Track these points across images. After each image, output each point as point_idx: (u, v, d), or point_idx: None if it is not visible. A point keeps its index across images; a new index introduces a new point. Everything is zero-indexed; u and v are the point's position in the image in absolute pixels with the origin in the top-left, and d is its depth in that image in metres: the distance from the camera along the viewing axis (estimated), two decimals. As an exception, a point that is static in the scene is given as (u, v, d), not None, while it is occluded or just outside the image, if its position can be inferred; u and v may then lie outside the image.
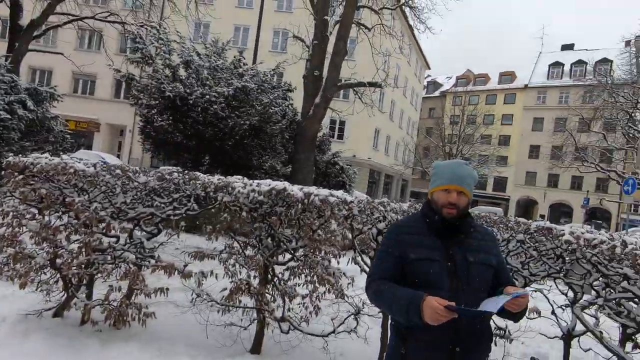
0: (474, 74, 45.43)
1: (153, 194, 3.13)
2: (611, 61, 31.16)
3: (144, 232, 3.41)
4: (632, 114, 18.39)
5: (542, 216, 34.33)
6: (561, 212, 35.85)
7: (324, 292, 3.18)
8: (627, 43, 22.99)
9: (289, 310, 3.19)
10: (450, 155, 28.00)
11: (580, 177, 32.42)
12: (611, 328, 3.29)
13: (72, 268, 2.97)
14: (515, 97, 40.12)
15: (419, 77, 37.42)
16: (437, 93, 45.53)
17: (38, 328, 3.16)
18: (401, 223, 1.66)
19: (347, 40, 9.60)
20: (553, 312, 3.31)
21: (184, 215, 3.13)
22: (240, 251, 3.27)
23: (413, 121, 37.46)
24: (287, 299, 3.27)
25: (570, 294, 3.22)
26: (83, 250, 2.98)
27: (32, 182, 3.06)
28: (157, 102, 7.86)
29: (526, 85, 39.54)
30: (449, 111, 30.86)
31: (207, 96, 7.73)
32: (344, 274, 3.18)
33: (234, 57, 9.40)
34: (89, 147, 23.40)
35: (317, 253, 3.05)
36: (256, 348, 3.26)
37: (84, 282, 3.25)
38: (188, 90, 7.82)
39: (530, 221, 3.06)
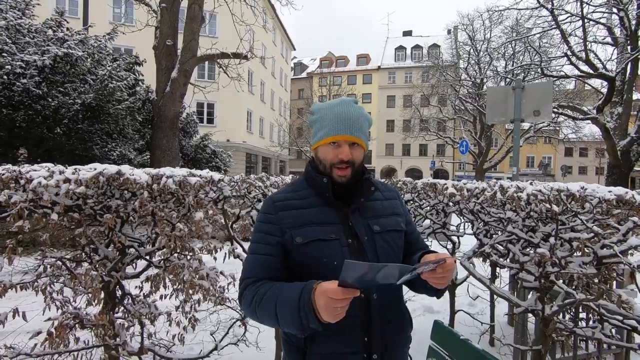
0: (335, 56, 48.29)
1: None
2: (439, 46, 37.23)
3: None
4: (458, 89, 22.26)
5: (401, 181, 39.78)
6: (414, 175, 42.16)
7: (198, 301, 2.48)
8: (449, 31, 27.68)
9: (149, 336, 2.38)
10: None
11: (426, 144, 38.65)
12: (484, 272, 3.57)
13: None
14: (372, 78, 44.44)
15: (285, 58, 37.56)
16: (304, 74, 46.86)
17: None
18: (278, 195, 1.15)
19: (202, 4, 8.40)
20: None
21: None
22: (68, 270, 2.25)
23: (284, 102, 37.72)
24: (147, 321, 2.44)
25: (450, 245, 3.32)
26: None
27: None
28: None
29: (379, 67, 44.11)
30: (317, 91, 32.12)
31: (9, 66, 5.60)
32: (221, 273, 2.51)
33: (50, 18, 7.14)
34: None
35: (182, 253, 2.31)
36: (112, 396, 2.36)
37: None
38: (-26, 59, 5.52)
39: (416, 181, 2.98)
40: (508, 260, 2.34)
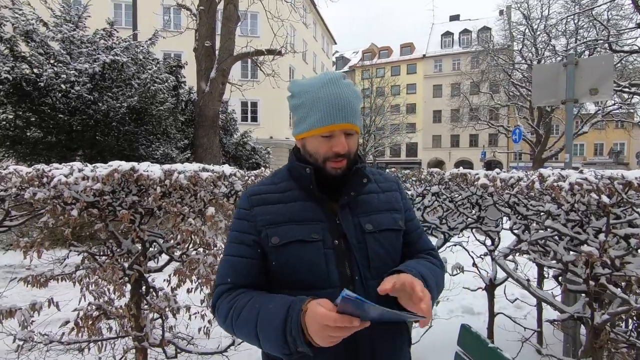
0: (378, 48, 47.22)
1: None
2: (490, 29, 34.77)
3: None
4: (511, 74, 20.61)
5: (450, 174, 38.03)
6: (464, 167, 40.09)
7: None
8: (501, 12, 25.68)
9: (170, 329, 2.43)
10: (364, 127, 28.87)
11: (476, 134, 36.44)
12: (531, 272, 3.21)
13: None
14: (416, 67, 42.80)
15: (327, 53, 37.45)
16: (346, 68, 46.42)
17: None
18: (254, 188, 1.00)
19: (238, 3, 8.55)
20: (474, 264, 3.11)
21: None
22: (97, 262, 2.37)
23: (326, 97, 37.71)
24: (170, 314, 2.49)
25: (489, 242, 3.02)
26: None
27: None
28: (-6, 88, 6.00)
29: (424, 55, 42.34)
30: (359, 85, 31.69)
31: (64, 75, 6.12)
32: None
33: (103, 29, 7.69)
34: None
35: (197, 248, 2.31)
36: (139, 385, 2.44)
37: None
38: (36, 71, 6.11)
39: (444, 171, 2.72)
40: (550, 259, 2.04)
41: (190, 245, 2.30)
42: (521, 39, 21.07)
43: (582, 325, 2.31)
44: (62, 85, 6.10)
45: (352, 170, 0.95)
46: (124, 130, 6.70)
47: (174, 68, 8.72)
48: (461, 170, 2.52)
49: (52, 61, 6.38)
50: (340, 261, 0.89)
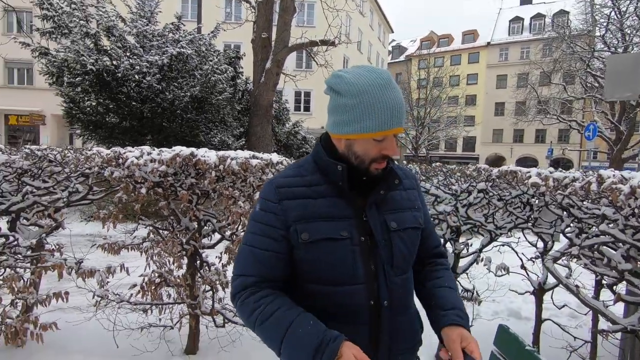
0: (438, 35, 45.00)
1: (27, 177, 2.44)
2: (568, 12, 31.40)
3: (37, 227, 2.74)
4: (589, 63, 18.53)
5: (510, 171, 35.43)
6: (527, 165, 36.98)
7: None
8: (583, -8, 22.96)
9: (219, 301, 2.67)
10: (418, 120, 27.87)
11: (544, 129, 33.42)
12: (588, 279, 2.99)
13: None
14: (479, 56, 40.15)
15: (383, 42, 36.55)
16: (402, 57, 44.97)
17: None
18: (281, 179, 0.96)
19: (294, -5, 8.70)
20: (523, 266, 2.98)
21: (68, 201, 2.46)
22: (160, 236, 2.68)
23: (380, 87, 36.95)
24: (220, 287, 2.74)
25: (540, 244, 2.86)
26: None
27: None
28: (81, 78, 6.81)
29: (488, 43, 39.54)
30: (415, 75, 30.55)
31: (138, 67, 6.76)
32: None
33: (172, 23, 8.31)
34: (35, 142, 21.46)
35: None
36: (191, 347, 2.74)
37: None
38: (115, 63, 6.82)
39: (492, 168, 2.61)
40: (604, 266, 1.91)
41: (240, 227, 2.50)
42: (604, 24, 18.77)
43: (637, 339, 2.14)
44: (136, 76, 6.75)
45: (386, 169, 0.95)
46: (186, 118, 7.25)
47: (232, 59, 9.17)
48: (511, 167, 2.41)
49: (128, 54, 7.06)
50: (366, 258, 0.91)
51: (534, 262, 3.01)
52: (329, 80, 0.94)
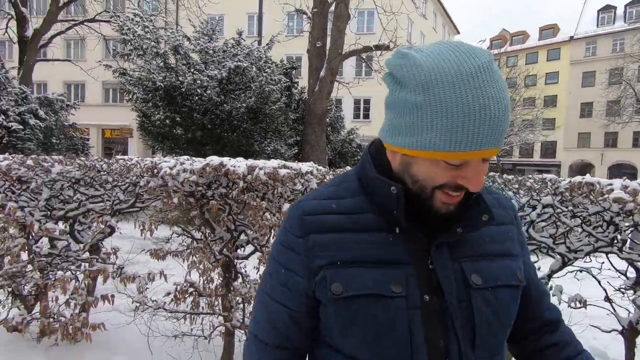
0: (510, 33, 41.72)
1: (81, 186, 2.64)
2: (675, -6, 26.95)
3: (89, 231, 2.95)
4: None
5: (601, 180, 31.07)
6: (623, 173, 32.13)
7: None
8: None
9: (250, 314, 2.60)
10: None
11: (644, 132, 28.86)
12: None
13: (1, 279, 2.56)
14: (560, 52, 36.24)
15: (447, 44, 34.93)
16: (469, 59, 42.46)
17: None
18: (309, 204, 0.68)
19: (349, 2, 8.63)
20: (607, 299, 2.44)
21: (112, 209, 2.60)
22: (195, 242, 2.71)
23: (445, 92, 35.29)
24: (252, 301, 2.67)
25: (632, 272, 2.32)
26: (7, 259, 2.56)
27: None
28: (152, 94, 7.49)
29: (571, 37, 35.52)
30: (483, 76, 28.57)
31: (199, 81, 7.22)
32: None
33: (232, 38, 8.80)
34: (125, 153, 24.30)
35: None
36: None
37: (30, 293, 2.86)
38: (180, 79, 7.37)
39: (561, 178, 2.16)
40: None
41: (269, 238, 2.41)
42: None
43: None
44: (198, 90, 7.22)
45: (468, 199, 0.63)
46: (242, 128, 7.55)
47: (288, 70, 9.38)
48: (587, 178, 1.97)
49: (191, 70, 7.58)
50: (431, 329, 0.60)
51: (623, 293, 2.46)
52: (389, 60, 0.61)
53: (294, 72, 10.01)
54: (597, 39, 34.27)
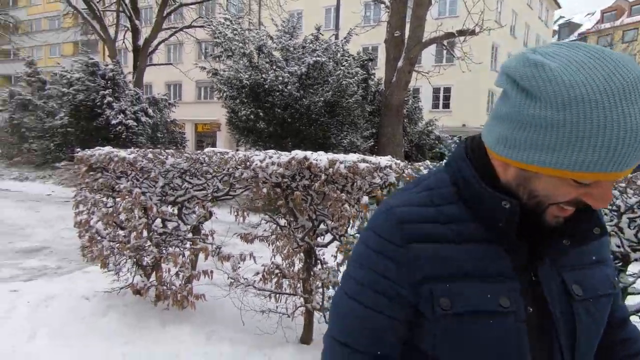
0: (629, 2, 35.24)
1: (187, 176, 3.07)
2: None
3: (194, 215, 3.42)
4: None
5: None
6: None
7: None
8: None
9: (329, 298, 2.76)
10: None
11: None
12: None
13: (126, 250, 3.14)
14: (699, 20, 29.60)
15: (545, 21, 30.95)
16: (573, 36, 37.10)
17: (118, 305, 3.45)
18: (405, 210, 0.63)
19: (430, -13, 8.24)
20: None
21: (212, 196, 2.97)
22: (280, 232, 2.98)
23: (540, 75, 31.39)
24: (331, 286, 2.84)
25: None
26: (133, 234, 3.12)
27: (92, 173, 3.35)
28: (239, 92, 8.16)
29: None
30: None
31: (281, 78, 7.65)
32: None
33: (311, 34, 9.10)
34: (214, 145, 26.83)
35: (354, 234, 2.52)
36: (306, 338, 2.95)
37: (148, 263, 3.43)
38: (263, 76, 7.89)
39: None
40: None
41: (349, 229, 2.53)
42: None
43: None
44: (280, 86, 7.65)
45: (579, 210, 0.58)
46: (320, 122, 7.80)
47: (364, 62, 9.35)
48: None
49: (274, 67, 8.05)
50: (536, 342, 0.59)
51: None
52: (513, 66, 0.54)
53: (370, 63, 9.94)
54: None
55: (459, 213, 0.61)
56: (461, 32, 7.63)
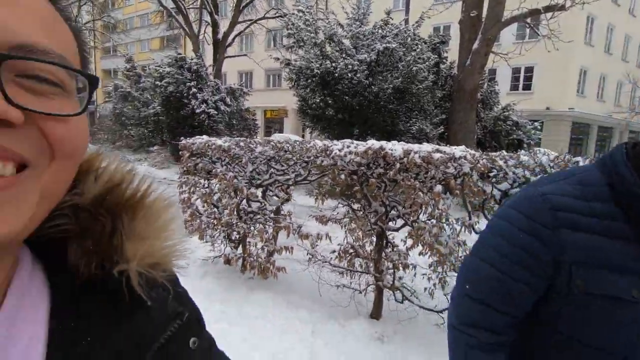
0: None
1: (272, 162, 3.46)
2: None
3: (276, 197, 3.84)
4: None
5: None
6: None
7: (449, 267, 2.77)
8: None
9: (399, 279, 2.96)
10: None
11: None
12: None
13: (220, 226, 3.68)
14: None
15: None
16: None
17: (212, 271, 4.05)
18: (558, 199, 0.72)
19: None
20: None
21: (294, 181, 3.32)
22: (355, 216, 3.24)
23: (648, 48, 26.85)
24: (401, 267, 3.04)
25: None
26: (226, 212, 3.64)
27: (193, 158, 3.92)
28: (310, 81, 8.50)
29: None
30: None
31: (350, 66, 7.78)
32: (464, 242, 2.66)
33: (381, 20, 9.02)
34: (281, 131, 27.96)
35: (426, 220, 2.66)
36: (376, 313, 3.22)
37: (236, 238, 3.96)
38: (333, 64, 8.10)
39: None
40: None
41: (420, 215, 2.69)
42: None
43: None
44: (349, 74, 7.80)
45: None
46: (388, 109, 7.82)
47: (436, 45, 9.03)
48: None
49: (343, 55, 8.20)
50: None
51: None
52: None
53: (442, 46, 9.55)
54: None
55: (609, 211, 0.69)
56: (548, 8, 6.96)
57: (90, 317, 0.32)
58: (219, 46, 12.91)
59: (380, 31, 8.40)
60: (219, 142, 3.65)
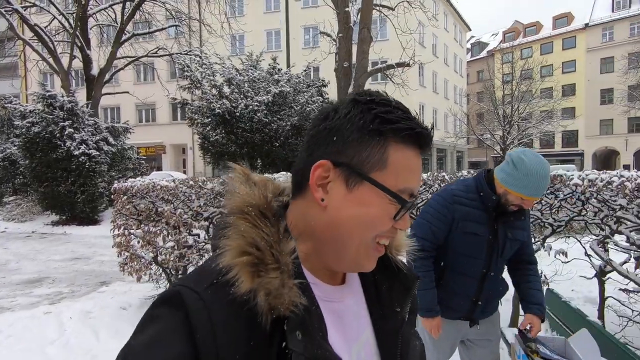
0: (523, 25, 41.75)
1: (219, 197, 3.96)
2: (690, -25, 26.78)
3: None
4: None
5: (626, 166, 30.82)
6: (651, 158, 31.81)
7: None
8: None
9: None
10: (505, 118, 26.27)
11: (668, 115, 28.57)
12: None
13: (169, 262, 3.91)
14: (576, 40, 36.15)
15: (459, 42, 35.50)
16: (483, 54, 42.74)
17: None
18: (457, 192, 1.65)
19: (371, 26, 9.86)
20: (586, 254, 3.53)
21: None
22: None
23: (460, 89, 35.72)
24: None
25: (602, 233, 3.40)
26: (175, 247, 3.91)
27: (132, 200, 4.05)
28: (210, 119, 8.94)
29: (587, 25, 35.41)
30: (497, 71, 28.91)
31: (250, 106, 8.62)
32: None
33: (269, 65, 10.19)
34: (159, 168, 26.15)
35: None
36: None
37: (180, 272, 4.20)
38: (234, 105, 8.79)
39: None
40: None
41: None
42: None
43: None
44: (250, 114, 8.60)
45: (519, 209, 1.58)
46: (287, 143, 8.88)
47: (319, 88, 10.69)
48: (560, 172, 3.12)
49: (242, 96, 9.00)
50: (488, 249, 1.62)
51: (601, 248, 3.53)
52: (514, 154, 1.53)
53: (323, 89, 11.30)
54: (614, 25, 34.09)
55: (475, 198, 1.62)
56: (399, 65, 9.30)
57: (381, 279, 0.60)
58: (95, 83, 12.00)
59: (275, 76, 9.53)
60: (164, 182, 3.94)
